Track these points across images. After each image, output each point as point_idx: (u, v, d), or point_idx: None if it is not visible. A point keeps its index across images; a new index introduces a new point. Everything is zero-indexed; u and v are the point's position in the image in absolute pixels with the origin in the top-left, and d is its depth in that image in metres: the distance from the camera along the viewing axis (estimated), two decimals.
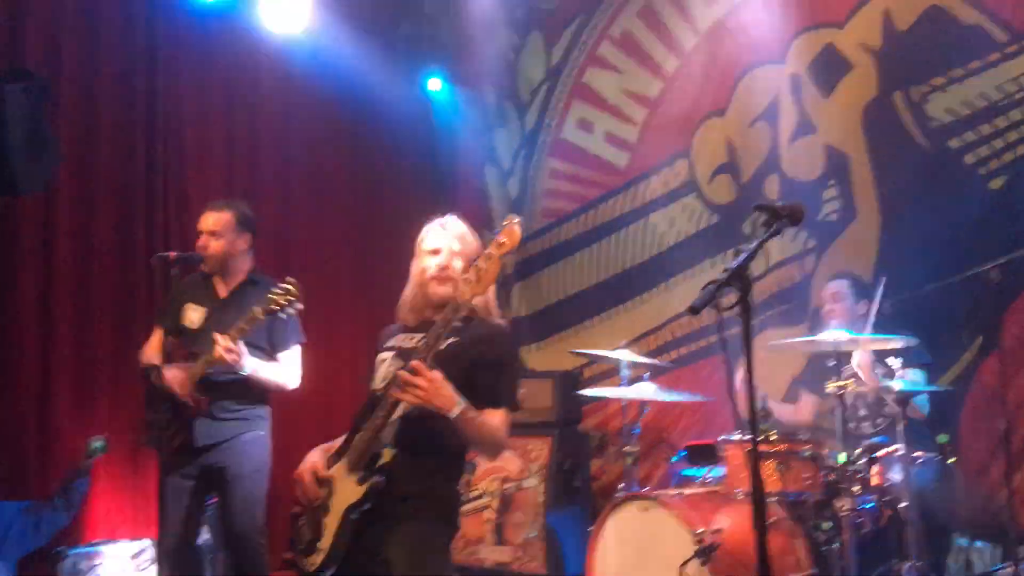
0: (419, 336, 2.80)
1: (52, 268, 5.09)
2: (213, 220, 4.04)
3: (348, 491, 2.72)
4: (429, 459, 2.76)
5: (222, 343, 3.63)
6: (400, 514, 2.70)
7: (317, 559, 2.74)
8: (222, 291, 4.07)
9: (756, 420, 1.95)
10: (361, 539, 2.71)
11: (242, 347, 3.71)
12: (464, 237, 2.92)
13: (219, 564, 4.68)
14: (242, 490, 3.95)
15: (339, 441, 2.93)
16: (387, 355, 2.90)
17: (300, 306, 3.63)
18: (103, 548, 4.90)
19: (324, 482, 2.81)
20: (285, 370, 4.02)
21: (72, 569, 4.79)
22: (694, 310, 2.02)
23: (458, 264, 2.84)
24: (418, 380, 2.54)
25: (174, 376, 3.82)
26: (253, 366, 3.81)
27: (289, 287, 3.56)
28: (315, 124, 6.34)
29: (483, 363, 2.75)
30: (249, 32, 5.90)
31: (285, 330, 3.96)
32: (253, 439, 4.01)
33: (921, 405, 4.26)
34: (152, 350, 4.14)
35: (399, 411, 2.71)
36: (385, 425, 2.70)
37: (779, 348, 4.36)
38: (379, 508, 2.69)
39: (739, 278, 2.02)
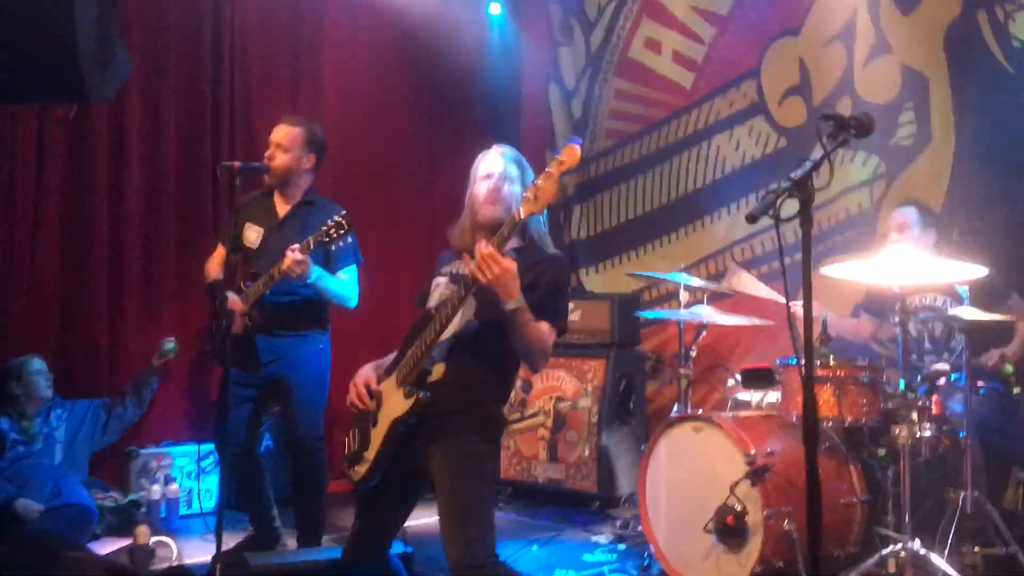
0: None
1: (121, 177, 5.22)
2: (284, 133, 4.09)
3: (395, 404, 2.78)
4: (476, 377, 2.81)
5: (291, 256, 3.69)
6: (444, 429, 2.75)
7: (362, 469, 2.83)
8: (280, 211, 4.13)
9: (811, 339, 1.89)
10: (406, 451, 2.78)
11: (308, 257, 3.77)
12: (519, 162, 2.95)
13: (281, 470, 4.84)
14: (302, 398, 4.06)
15: (391, 357, 2.98)
16: (442, 280, 2.95)
17: (350, 239, 3.68)
18: (172, 449, 5.13)
19: (374, 395, 2.88)
20: (345, 285, 4.08)
21: (142, 468, 5.03)
22: (751, 218, 1.97)
23: (510, 188, 2.86)
24: (492, 264, 2.57)
25: (234, 303, 3.91)
26: (317, 275, 3.87)
27: (341, 220, 3.60)
28: (378, 45, 6.32)
29: (536, 286, 2.77)
30: None
31: (343, 250, 4.01)
32: (313, 351, 4.12)
33: None
34: (214, 265, 4.23)
35: (450, 329, 2.75)
36: (436, 342, 2.75)
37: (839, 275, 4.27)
38: (425, 423, 2.75)
39: (801, 188, 1.96)
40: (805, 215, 1.96)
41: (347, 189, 5.54)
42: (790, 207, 2.05)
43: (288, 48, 5.98)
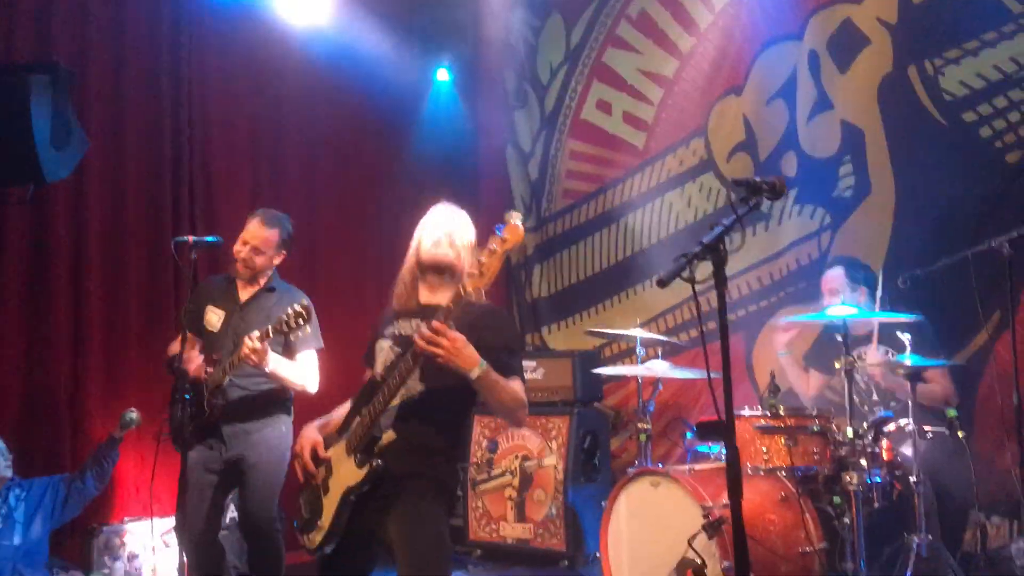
0: (416, 321, 2.87)
1: (82, 252, 5.26)
2: (261, 238, 4.09)
3: (347, 473, 2.80)
4: (427, 442, 2.83)
5: (248, 344, 3.73)
6: (398, 494, 2.76)
7: (317, 537, 2.83)
8: (243, 295, 4.17)
9: (730, 396, 1.96)
10: (360, 517, 2.79)
11: (267, 346, 3.79)
12: (463, 216, 3.02)
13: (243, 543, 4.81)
14: (258, 480, 4.04)
15: (332, 416, 3.02)
16: (386, 343, 2.96)
17: (308, 329, 3.71)
18: (133, 525, 5.08)
19: (322, 461, 2.89)
20: (304, 371, 4.09)
21: (104, 545, 4.97)
22: (662, 283, 2.05)
23: (456, 235, 2.93)
24: (441, 340, 2.60)
25: (191, 358, 3.93)
26: (275, 363, 3.89)
27: (300, 311, 3.63)
28: (338, 115, 6.44)
29: (487, 346, 2.77)
30: (271, 24, 6.01)
31: (304, 334, 4.04)
32: (273, 433, 4.10)
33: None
34: (176, 346, 4.24)
35: (398, 398, 2.78)
36: (384, 410, 2.77)
37: (780, 327, 4.38)
38: (378, 487, 2.77)
39: (714, 251, 2.04)
40: (718, 277, 2.03)
41: (312, 257, 5.63)
42: (708, 269, 2.12)
43: (248, 121, 6.08)
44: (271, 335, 3.71)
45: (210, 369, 3.95)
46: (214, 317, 4.14)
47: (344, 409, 3.06)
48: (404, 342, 2.86)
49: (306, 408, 4.32)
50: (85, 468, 4.90)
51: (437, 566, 2.73)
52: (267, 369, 3.85)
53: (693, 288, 2.07)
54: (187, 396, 3.90)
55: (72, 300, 5.20)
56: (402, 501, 2.76)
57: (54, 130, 4.26)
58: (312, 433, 2.97)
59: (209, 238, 4.13)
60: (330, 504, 2.83)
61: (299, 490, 2.98)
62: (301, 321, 3.63)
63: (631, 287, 6.25)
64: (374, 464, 2.75)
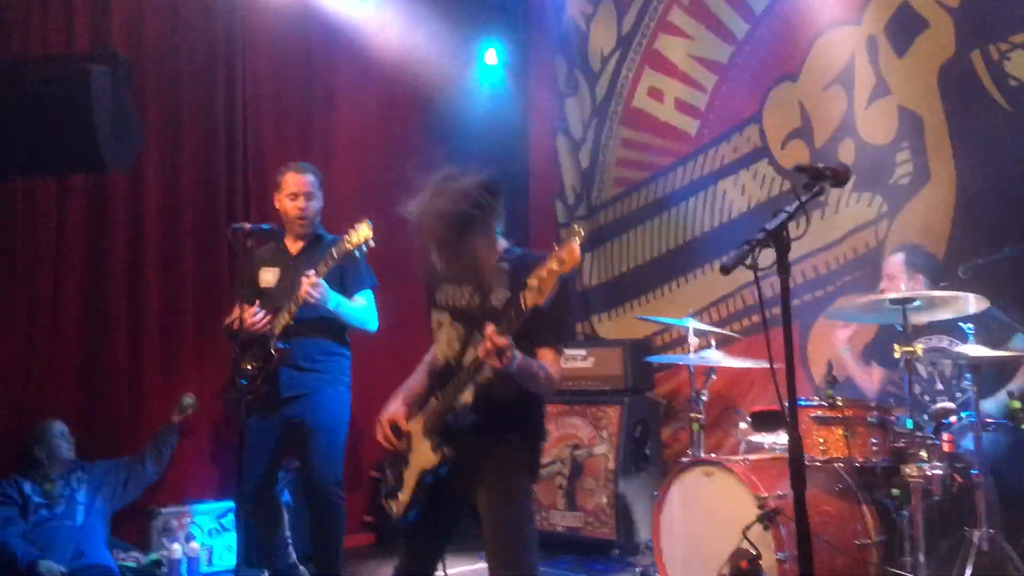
0: (468, 290, 2.88)
1: (140, 240, 5.36)
2: (307, 183, 4.23)
3: (424, 454, 2.85)
4: (505, 422, 2.84)
5: (307, 281, 3.79)
6: (483, 470, 2.80)
7: (399, 508, 2.91)
8: (293, 249, 4.23)
9: (793, 385, 1.94)
10: (441, 490, 2.85)
11: (324, 284, 3.85)
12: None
13: (301, 526, 4.87)
14: (321, 444, 4.10)
15: (411, 385, 3.04)
16: (444, 317, 2.95)
17: (372, 244, 3.82)
18: (191, 508, 5.18)
19: (404, 435, 2.94)
20: (366, 307, 4.16)
21: (163, 527, 5.08)
22: (725, 269, 2.02)
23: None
24: (501, 354, 2.59)
25: (255, 321, 4.00)
26: (336, 300, 3.95)
27: (360, 225, 3.74)
28: (388, 100, 6.46)
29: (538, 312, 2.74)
30: (322, 10, 6.05)
31: (357, 274, 4.10)
32: (334, 394, 4.17)
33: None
34: (231, 319, 4.32)
35: (472, 385, 2.77)
36: (457, 396, 2.80)
37: (839, 317, 4.32)
38: (460, 465, 2.81)
39: (777, 239, 2.01)
40: (782, 265, 2.00)
41: None
42: (769, 257, 2.09)
43: (300, 109, 6.14)
44: (336, 258, 3.82)
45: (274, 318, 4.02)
46: (269, 275, 4.21)
47: (420, 375, 3.08)
48: (464, 317, 2.87)
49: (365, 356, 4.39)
50: (145, 453, 5.01)
51: (525, 543, 2.78)
52: (329, 307, 3.90)
53: (756, 276, 2.04)
54: (244, 357, 3.95)
55: (129, 286, 5.31)
56: (489, 477, 2.80)
57: (115, 121, 4.33)
58: (395, 404, 3.00)
59: (265, 225, 4.19)
60: (409, 479, 2.90)
61: (384, 457, 3.04)
62: (362, 240, 3.77)
63: (682, 276, 6.19)
64: (446, 451, 2.81)
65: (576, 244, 2.53)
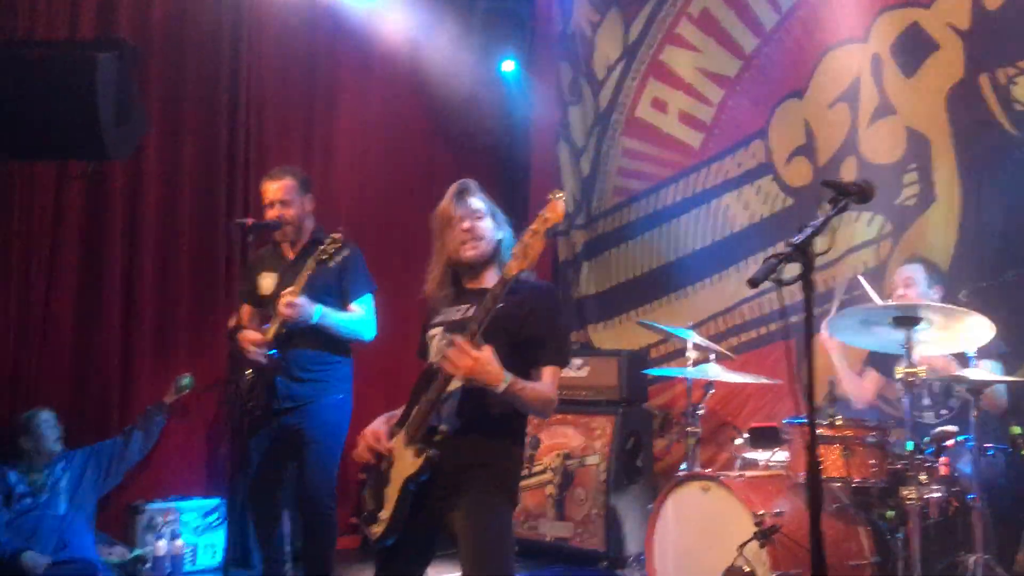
0: (465, 306, 2.87)
1: (137, 231, 5.31)
2: (278, 188, 4.14)
3: (406, 463, 2.77)
4: (487, 430, 2.79)
5: (281, 300, 3.75)
6: (461, 484, 2.73)
7: (379, 529, 2.81)
8: (290, 254, 4.19)
9: (812, 398, 1.91)
10: (423, 507, 2.76)
11: (303, 299, 3.81)
12: (485, 196, 2.98)
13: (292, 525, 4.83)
14: (317, 454, 4.03)
15: (402, 410, 2.99)
16: (437, 330, 2.93)
17: (346, 252, 3.75)
18: (178, 504, 5.12)
19: (385, 452, 2.86)
20: (358, 317, 4.10)
21: (148, 523, 5.02)
22: (754, 282, 2.01)
23: (485, 224, 2.89)
24: (463, 360, 2.58)
25: (246, 336, 3.95)
26: (320, 313, 3.90)
27: (335, 237, 3.69)
28: (391, 100, 6.43)
29: (531, 323, 2.76)
30: (328, 7, 6.02)
31: (354, 279, 4.05)
32: (332, 403, 4.10)
33: (999, 394, 4.15)
34: (238, 320, 4.27)
35: (453, 385, 2.74)
36: (439, 400, 2.75)
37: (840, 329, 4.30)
38: (439, 478, 2.74)
39: (802, 253, 1.99)
40: (806, 279, 1.99)
41: (360, 240, 5.58)
42: (791, 270, 2.07)
43: (303, 104, 6.10)
44: (314, 269, 3.75)
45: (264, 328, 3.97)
46: (267, 281, 4.15)
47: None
48: (455, 328, 2.83)
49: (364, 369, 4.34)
50: (132, 430, 4.95)
51: (501, 561, 2.70)
52: (313, 322, 3.86)
53: (780, 290, 2.02)
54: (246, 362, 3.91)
55: (125, 276, 5.25)
56: (467, 492, 2.73)
57: (118, 108, 4.29)
58: (377, 424, 2.95)
59: (267, 222, 4.13)
60: (391, 494, 2.80)
61: (363, 484, 2.97)
62: (336, 245, 3.70)
63: (680, 289, 6.17)
64: (430, 453, 2.72)
65: (558, 198, 2.54)
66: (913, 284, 4.34)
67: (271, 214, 4.14)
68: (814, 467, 1.95)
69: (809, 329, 2.02)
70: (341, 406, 4.13)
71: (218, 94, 5.64)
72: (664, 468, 5.81)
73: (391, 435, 2.90)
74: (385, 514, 2.80)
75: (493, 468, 2.79)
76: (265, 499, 4.07)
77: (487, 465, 2.78)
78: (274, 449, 4.07)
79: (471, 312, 2.82)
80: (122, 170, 5.20)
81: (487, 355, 2.59)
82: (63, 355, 5.02)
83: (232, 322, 4.18)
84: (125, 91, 4.34)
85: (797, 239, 2.02)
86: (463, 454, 2.75)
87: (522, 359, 2.74)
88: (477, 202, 2.93)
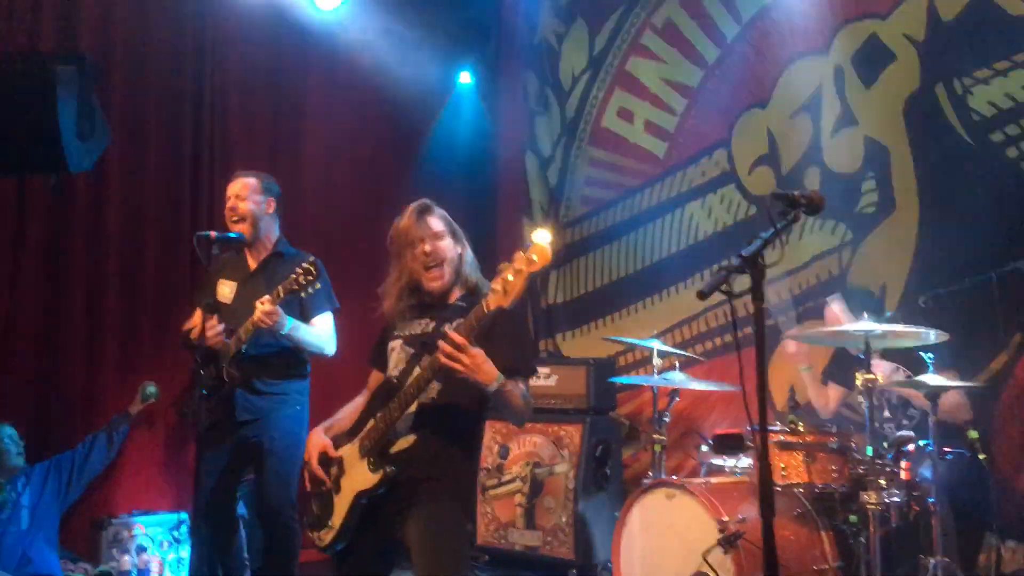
0: (425, 320, 2.90)
1: (102, 241, 5.28)
2: (239, 185, 4.17)
3: (360, 476, 2.78)
4: (444, 446, 2.81)
5: (260, 307, 3.74)
6: (417, 498, 2.75)
7: (327, 536, 2.83)
8: (251, 264, 4.17)
9: (764, 409, 1.94)
10: (377, 519, 2.78)
11: (279, 308, 3.80)
12: (443, 215, 3.00)
13: (255, 540, 4.80)
14: (276, 465, 4.03)
15: (338, 418, 3.01)
16: (396, 343, 2.95)
17: (319, 285, 3.74)
18: (143, 519, 5.07)
19: (333, 462, 2.88)
20: (323, 332, 4.10)
21: (113, 538, 4.96)
22: (702, 295, 2.03)
23: (446, 246, 2.92)
24: (462, 356, 2.59)
25: (210, 327, 3.91)
26: (291, 326, 3.90)
27: (309, 267, 3.66)
28: (358, 111, 6.42)
29: (496, 338, 2.75)
30: (292, 22, 6.01)
31: (316, 297, 4.04)
32: (290, 415, 4.09)
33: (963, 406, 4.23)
34: (190, 323, 4.25)
35: (414, 405, 2.76)
36: (401, 416, 2.76)
37: (800, 339, 4.37)
38: (395, 490, 2.75)
39: (752, 264, 2.02)
40: (756, 291, 2.01)
41: (326, 251, 5.57)
42: (743, 283, 2.10)
43: (269, 116, 6.09)
44: (283, 295, 3.73)
45: (228, 340, 3.95)
46: (226, 289, 4.14)
47: (348, 411, 3.06)
48: (416, 342, 2.85)
49: (323, 382, 4.34)
50: (94, 439, 4.91)
51: (454, 569, 2.71)
52: (283, 332, 3.85)
53: (731, 301, 2.05)
54: (202, 370, 3.88)
55: (89, 289, 5.23)
56: (420, 504, 2.75)
57: (79, 121, 4.26)
58: (319, 438, 2.96)
59: (232, 234, 4.12)
60: (341, 504, 2.82)
61: (311, 490, 2.96)
62: (311, 277, 3.66)
63: (648, 297, 6.22)
64: (388, 470, 2.74)
65: (546, 243, 2.52)
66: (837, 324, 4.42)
67: (227, 208, 4.14)
68: (766, 475, 1.97)
69: (760, 340, 2.05)
70: (300, 417, 4.12)
71: (182, 106, 5.62)
72: (633, 475, 5.83)
73: (337, 445, 2.91)
74: (335, 521, 2.81)
75: (447, 480, 2.81)
76: (221, 512, 4.05)
77: (442, 477, 2.79)
78: (231, 462, 4.05)
79: (431, 327, 2.85)
80: (85, 183, 5.15)
81: (482, 354, 2.62)
82: (26, 369, 4.98)
83: (187, 327, 4.15)
84: (86, 104, 4.32)
85: (746, 251, 2.05)
86: (418, 466, 2.76)
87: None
88: (437, 222, 2.96)
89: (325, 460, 2.90)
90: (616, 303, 6.39)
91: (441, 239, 2.93)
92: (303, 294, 3.75)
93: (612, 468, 5.58)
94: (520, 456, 5.59)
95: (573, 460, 5.42)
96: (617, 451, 5.72)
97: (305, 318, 4.04)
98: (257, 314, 3.75)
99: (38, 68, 4.21)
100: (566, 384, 5.67)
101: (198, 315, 4.23)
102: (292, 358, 4.11)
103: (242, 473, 4.22)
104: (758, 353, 2.07)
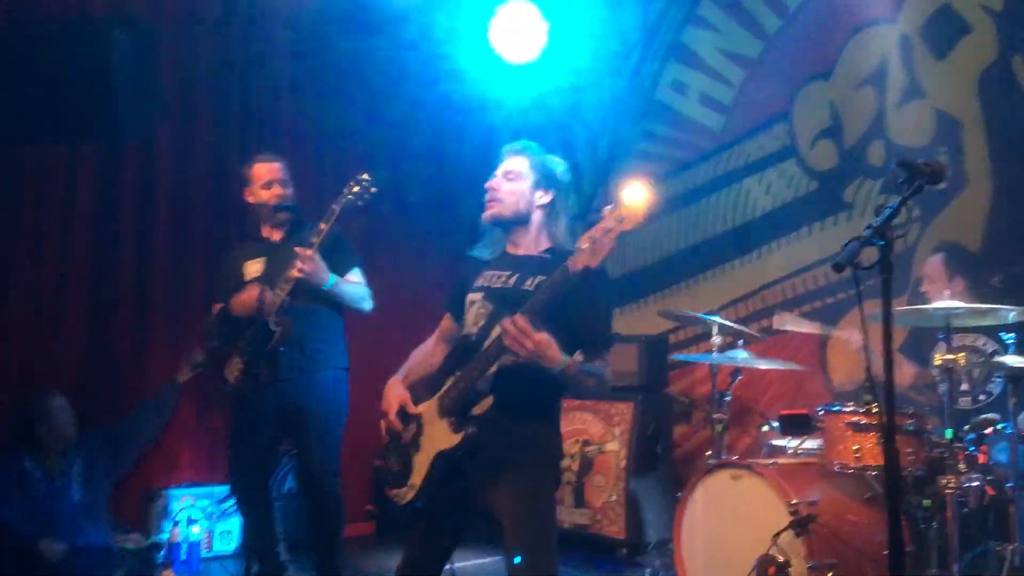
0: (506, 273, 2.80)
1: (150, 209, 5.25)
2: (277, 169, 4.09)
3: (441, 435, 2.70)
4: (526, 410, 2.72)
5: (302, 256, 3.65)
6: (503, 465, 2.66)
7: (408, 494, 2.74)
8: (275, 236, 4.08)
9: (891, 385, 1.83)
10: (458, 485, 2.70)
11: (318, 258, 3.72)
12: (534, 160, 2.89)
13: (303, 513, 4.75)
14: (318, 430, 3.93)
15: (411, 364, 2.95)
16: (476, 296, 2.84)
17: (374, 189, 3.70)
18: (194, 491, 5.05)
19: (412, 418, 2.80)
20: (361, 287, 4.02)
21: (164, 509, 4.95)
22: (838, 267, 1.93)
23: (511, 187, 2.83)
24: (526, 341, 2.51)
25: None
26: (334, 280, 3.82)
27: (363, 177, 3.62)
28: (399, 83, 6.30)
29: (577, 304, 2.63)
30: None
31: (344, 251, 3.96)
32: (334, 378, 4.00)
33: None
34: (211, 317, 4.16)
35: (496, 365, 2.66)
36: (482, 376, 2.67)
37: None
38: (477, 455, 2.67)
39: (882, 235, 1.91)
40: (885, 262, 1.90)
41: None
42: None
43: (316, 78, 5.97)
44: (336, 212, 3.70)
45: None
46: (255, 266, 4.03)
47: (420, 356, 3.00)
48: (496, 297, 2.76)
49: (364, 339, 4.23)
50: (144, 409, 4.87)
51: (551, 545, 2.64)
52: (326, 287, 3.78)
53: (856, 273, 1.94)
54: (246, 333, 3.81)
55: (138, 257, 5.21)
56: (512, 474, 2.66)
57: (132, 88, 4.21)
58: (399, 389, 2.86)
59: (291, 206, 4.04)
60: (421, 462, 2.74)
61: (384, 445, 2.88)
62: (365, 184, 3.69)
63: (701, 274, 6.09)
64: (469, 431, 2.65)
65: (639, 201, 2.40)
66: (934, 280, 4.27)
67: (270, 193, 4.04)
68: (892, 464, 1.86)
69: (887, 316, 1.94)
70: (342, 381, 4.03)
71: (231, 71, 5.56)
72: (684, 455, 5.75)
73: (416, 400, 2.83)
74: (416, 480, 2.73)
75: (537, 449, 2.73)
76: (257, 481, 3.98)
77: (531, 446, 2.71)
78: (268, 432, 3.95)
79: (512, 282, 2.76)
80: (134, 149, 5.11)
81: (546, 339, 2.53)
82: (76, 340, 4.96)
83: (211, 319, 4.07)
84: (140, 70, 4.27)
85: (877, 221, 1.94)
86: (504, 433, 2.67)
87: (568, 339, 2.64)
88: (516, 162, 2.87)
89: (403, 415, 2.81)
90: (668, 279, 6.25)
91: (511, 180, 2.84)
92: (359, 202, 3.70)
93: (663, 447, 5.49)
94: (570, 434, 5.52)
95: (624, 438, 5.34)
96: (668, 430, 5.63)
97: (339, 274, 3.94)
98: (298, 264, 3.67)
99: (93, 33, 4.17)
100: (617, 361, 5.53)
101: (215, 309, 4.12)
102: (331, 317, 4.02)
103: (279, 441, 4.13)
104: (885, 331, 1.96)
